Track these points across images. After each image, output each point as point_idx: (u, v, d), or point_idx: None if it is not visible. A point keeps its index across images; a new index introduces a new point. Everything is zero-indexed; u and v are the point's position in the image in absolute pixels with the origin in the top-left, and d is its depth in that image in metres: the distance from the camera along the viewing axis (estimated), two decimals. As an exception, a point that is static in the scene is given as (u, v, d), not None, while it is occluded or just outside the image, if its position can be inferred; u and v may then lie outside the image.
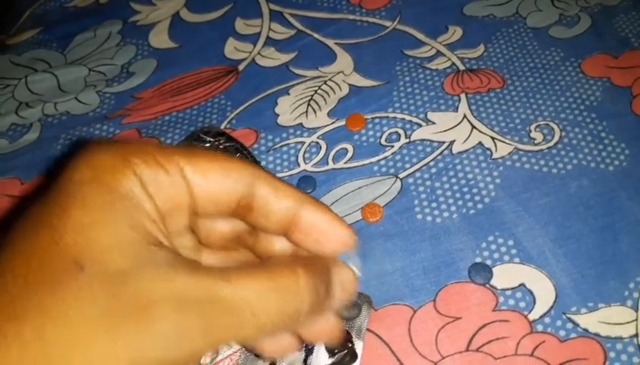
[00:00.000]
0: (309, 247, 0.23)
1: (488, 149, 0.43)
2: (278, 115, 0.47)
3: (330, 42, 0.52)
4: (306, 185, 0.42)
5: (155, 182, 0.20)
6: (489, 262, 0.37)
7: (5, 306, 0.16)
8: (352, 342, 0.33)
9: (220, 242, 0.24)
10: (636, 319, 0.33)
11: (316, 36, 0.53)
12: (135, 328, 0.16)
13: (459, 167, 0.42)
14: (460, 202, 0.40)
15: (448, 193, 0.40)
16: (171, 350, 0.17)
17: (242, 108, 0.48)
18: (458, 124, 0.44)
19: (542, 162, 0.41)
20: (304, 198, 0.22)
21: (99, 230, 0.18)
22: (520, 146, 0.42)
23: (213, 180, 0.21)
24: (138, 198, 0.19)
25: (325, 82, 0.49)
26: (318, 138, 0.45)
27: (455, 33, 0.51)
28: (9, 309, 0.16)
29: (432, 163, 0.42)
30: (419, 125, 0.45)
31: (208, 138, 0.44)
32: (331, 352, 0.33)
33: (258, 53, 0.53)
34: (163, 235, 0.19)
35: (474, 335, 0.34)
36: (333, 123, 0.46)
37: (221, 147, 0.43)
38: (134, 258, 0.18)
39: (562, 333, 0.33)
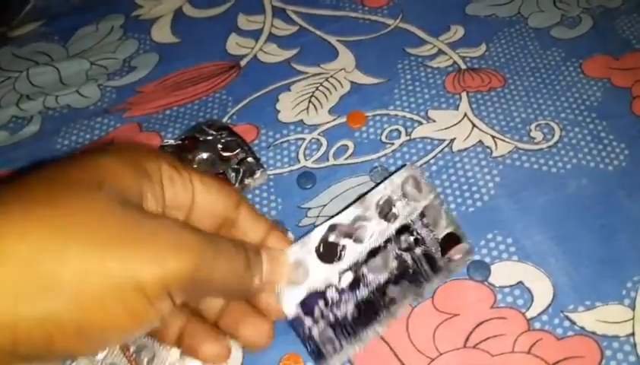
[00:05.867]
0: None
1: (488, 147, 0.43)
2: (279, 112, 0.47)
3: (332, 40, 0.52)
4: (306, 181, 0.42)
5: (169, 179, 0.25)
6: (487, 260, 0.37)
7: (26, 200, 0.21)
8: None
9: None
10: (633, 318, 0.33)
11: (318, 33, 0.53)
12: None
13: (459, 165, 0.42)
14: (459, 200, 0.40)
15: (448, 191, 0.41)
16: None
17: (243, 103, 0.48)
18: (459, 122, 0.45)
19: (541, 161, 0.41)
20: (272, 225, 0.29)
21: (127, 179, 0.23)
22: (520, 145, 0.43)
23: (213, 193, 0.26)
24: (155, 182, 0.24)
25: (327, 79, 0.49)
26: (318, 134, 0.45)
27: (457, 32, 0.51)
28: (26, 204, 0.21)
29: (432, 161, 0.42)
30: (420, 123, 0.45)
31: (211, 131, 0.44)
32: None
33: (260, 49, 0.53)
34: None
35: (472, 332, 0.34)
36: (334, 120, 0.46)
37: (222, 141, 0.43)
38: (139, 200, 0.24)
39: (559, 331, 0.33)
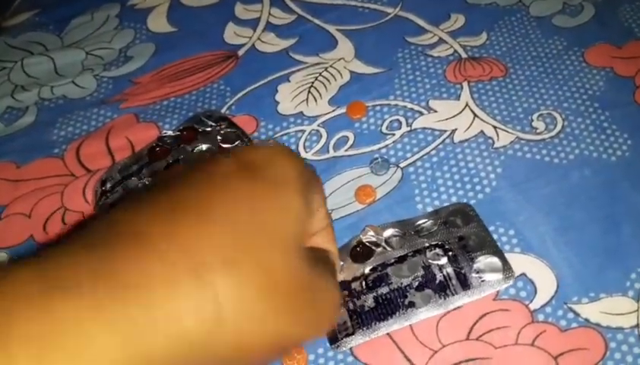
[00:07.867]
0: None
1: (490, 138, 0.42)
2: (278, 103, 0.47)
3: (331, 28, 0.52)
4: (307, 172, 0.42)
5: None
6: (490, 252, 0.36)
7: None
8: None
9: None
10: (637, 310, 0.33)
11: (317, 21, 0.53)
12: None
13: (460, 156, 0.41)
14: (461, 192, 0.40)
15: (449, 182, 0.40)
16: None
17: (241, 94, 0.48)
18: (460, 112, 0.44)
19: (544, 151, 0.41)
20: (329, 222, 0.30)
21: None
22: (522, 135, 0.42)
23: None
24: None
25: (326, 69, 0.48)
26: (318, 126, 0.45)
27: (458, 20, 0.51)
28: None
29: (433, 152, 0.42)
30: (421, 113, 0.44)
31: (210, 122, 0.43)
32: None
33: (258, 38, 0.52)
34: None
35: (475, 324, 0.34)
36: (333, 111, 0.46)
37: (222, 132, 0.43)
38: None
39: (562, 323, 0.33)
